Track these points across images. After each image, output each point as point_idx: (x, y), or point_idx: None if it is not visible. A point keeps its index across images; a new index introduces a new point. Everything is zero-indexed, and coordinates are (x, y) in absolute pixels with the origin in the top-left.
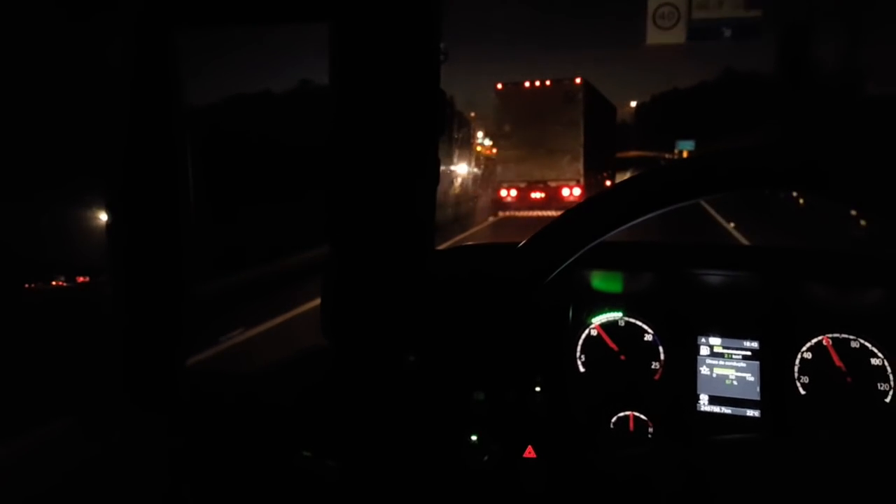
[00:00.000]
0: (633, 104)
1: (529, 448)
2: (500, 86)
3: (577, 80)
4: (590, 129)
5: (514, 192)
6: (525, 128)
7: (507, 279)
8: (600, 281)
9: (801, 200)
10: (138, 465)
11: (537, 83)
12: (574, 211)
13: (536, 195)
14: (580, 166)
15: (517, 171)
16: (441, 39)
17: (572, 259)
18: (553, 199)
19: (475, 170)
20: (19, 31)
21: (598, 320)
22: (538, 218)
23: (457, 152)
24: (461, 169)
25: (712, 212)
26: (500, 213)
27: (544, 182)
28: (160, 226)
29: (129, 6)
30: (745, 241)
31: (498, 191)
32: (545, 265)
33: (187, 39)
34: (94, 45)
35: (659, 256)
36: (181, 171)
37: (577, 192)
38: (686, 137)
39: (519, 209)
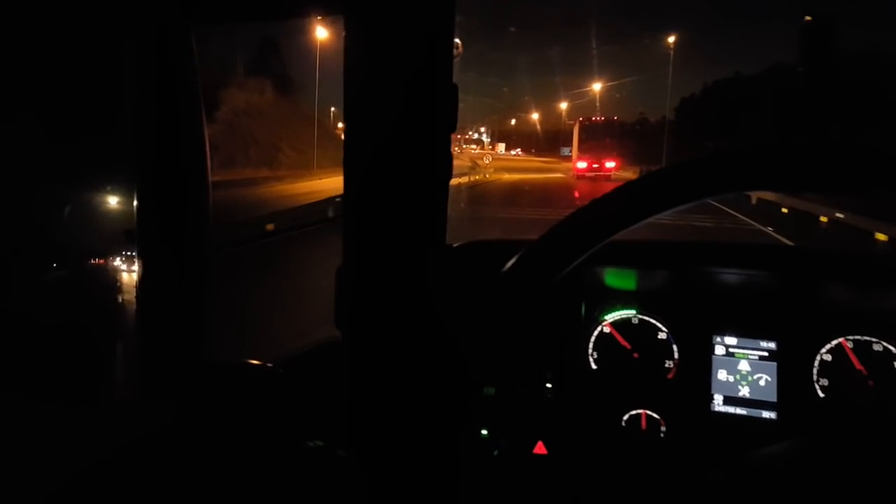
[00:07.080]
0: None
1: (540, 444)
2: (581, 118)
3: (616, 118)
4: (619, 139)
5: (583, 165)
6: (591, 136)
7: (517, 276)
8: (614, 278)
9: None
10: (145, 455)
11: (599, 118)
12: (596, 204)
13: (595, 166)
14: (615, 154)
15: (586, 156)
16: (455, 34)
17: (589, 253)
18: (601, 169)
19: None
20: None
21: (610, 318)
22: (596, 177)
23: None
24: None
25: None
26: (577, 176)
27: (599, 161)
28: (183, 217)
29: (147, 11)
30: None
31: (574, 165)
32: (561, 258)
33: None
34: (114, 48)
35: (674, 254)
36: (201, 166)
37: (613, 164)
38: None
39: (585, 174)
